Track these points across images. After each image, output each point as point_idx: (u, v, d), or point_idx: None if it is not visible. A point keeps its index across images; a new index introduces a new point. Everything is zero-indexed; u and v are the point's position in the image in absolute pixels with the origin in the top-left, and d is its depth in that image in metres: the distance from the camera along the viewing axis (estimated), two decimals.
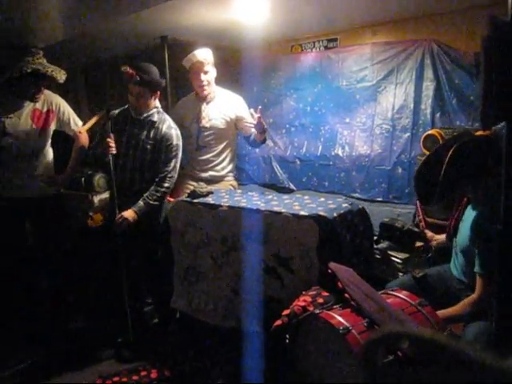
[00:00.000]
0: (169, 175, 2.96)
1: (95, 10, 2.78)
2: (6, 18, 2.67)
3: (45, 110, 3.10)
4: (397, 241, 2.84)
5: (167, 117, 3.07)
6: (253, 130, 3.32)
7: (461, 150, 2.00)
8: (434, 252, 2.65)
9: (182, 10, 3.12)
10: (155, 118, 3.01)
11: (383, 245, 3.03)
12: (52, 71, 2.95)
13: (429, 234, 2.67)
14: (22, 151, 3.02)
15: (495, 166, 1.82)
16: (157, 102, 3.07)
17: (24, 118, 3.01)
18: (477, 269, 2.07)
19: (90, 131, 3.27)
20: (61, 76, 3.02)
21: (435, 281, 2.41)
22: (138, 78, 2.85)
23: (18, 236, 3.08)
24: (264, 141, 3.45)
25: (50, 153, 3.21)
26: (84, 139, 3.20)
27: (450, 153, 1.99)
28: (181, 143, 3.04)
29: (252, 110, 3.20)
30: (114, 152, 2.90)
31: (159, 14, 3.13)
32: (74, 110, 3.31)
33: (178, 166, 3.03)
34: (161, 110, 3.08)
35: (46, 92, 3.14)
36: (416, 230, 2.68)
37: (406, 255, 2.94)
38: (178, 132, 3.05)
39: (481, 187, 2.09)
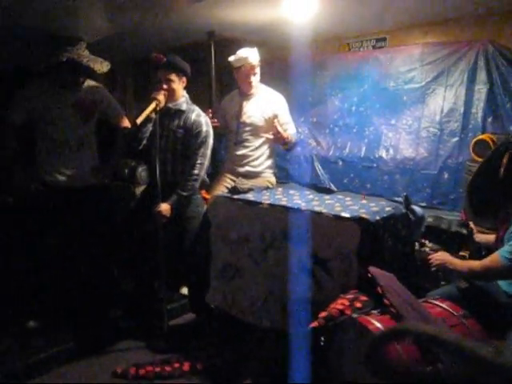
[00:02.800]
0: (198, 162, 2.96)
1: (145, 5, 2.83)
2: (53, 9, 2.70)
3: (89, 100, 3.11)
4: (443, 243, 2.71)
5: (196, 107, 3.08)
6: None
7: None
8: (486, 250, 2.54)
9: (230, 5, 3.13)
10: (184, 107, 3.03)
11: (426, 248, 2.90)
12: (88, 61, 2.94)
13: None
14: (66, 141, 3.04)
15: None
16: (185, 92, 3.08)
17: (68, 108, 3.03)
18: (502, 252, 2.01)
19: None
20: (101, 67, 3.00)
21: (481, 293, 2.31)
22: (165, 60, 2.89)
23: (62, 224, 3.08)
24: (290, 149, 3.54)
25: (94, 143, 3.22)
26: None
27: (505, 161, 1.91)
28: (211, 130, 3.04)
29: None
30: (165, 87, 2.90)
31: (207, 9, 3.15)
32: (122, 100, 3.34)
33: (208, 152, 3.01)
34: (189, 100, 3.10)
35: (91, 82, 3.16)
36: (464, 231, 2.52)
37: None
38: (208, 120, 3.07)
39: None
